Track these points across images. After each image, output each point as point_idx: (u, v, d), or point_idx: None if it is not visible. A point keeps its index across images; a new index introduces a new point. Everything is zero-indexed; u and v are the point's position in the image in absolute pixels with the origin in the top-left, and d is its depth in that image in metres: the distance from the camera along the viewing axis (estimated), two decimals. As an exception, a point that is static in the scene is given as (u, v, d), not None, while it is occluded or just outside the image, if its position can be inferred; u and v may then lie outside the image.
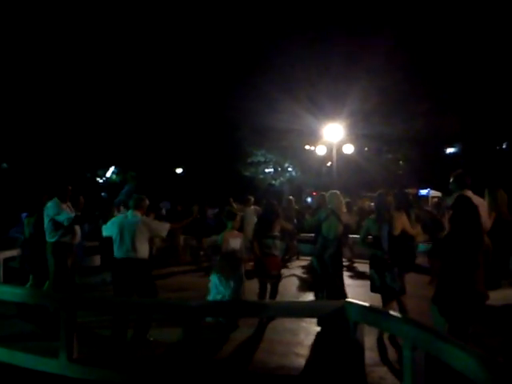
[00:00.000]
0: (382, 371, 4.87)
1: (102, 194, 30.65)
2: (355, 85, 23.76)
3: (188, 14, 28.65)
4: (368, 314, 4.27)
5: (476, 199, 6.27)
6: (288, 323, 6.48)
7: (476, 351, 3.19)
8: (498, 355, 4.43)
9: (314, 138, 25.45)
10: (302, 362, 5.27)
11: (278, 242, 7.12)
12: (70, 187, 6.85)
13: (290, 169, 31.97)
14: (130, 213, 6.08)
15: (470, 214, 4.44)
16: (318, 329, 6.28)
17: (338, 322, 4.51)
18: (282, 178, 31.79)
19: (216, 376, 4.86)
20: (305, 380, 4.88)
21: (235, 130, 28.86)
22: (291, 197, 12.71)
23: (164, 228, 6.30)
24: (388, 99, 24.54)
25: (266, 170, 32.03)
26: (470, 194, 6.11)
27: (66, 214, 6.54)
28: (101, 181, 35.25)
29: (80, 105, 27.65)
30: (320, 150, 24.03)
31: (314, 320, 6.40)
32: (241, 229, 11.77)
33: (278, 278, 7.11)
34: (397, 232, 5.97)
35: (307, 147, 28.87)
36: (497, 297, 5.32)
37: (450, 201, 6.16)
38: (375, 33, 23.88)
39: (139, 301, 5.62)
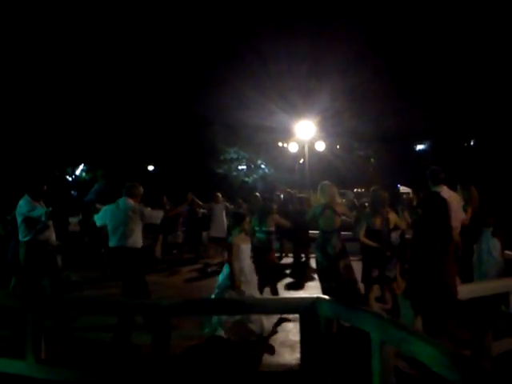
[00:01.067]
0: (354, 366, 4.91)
1: (72, 192, 30.12)
2: (326, 83, 23.99)
3: (158, 10, 28.34)
4: (338, 309, 4.30)
5: (451, 194, 6.43)
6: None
7: (443, 345, 3.23)
8: (466, 349, 4.51)
9: (287, 136, 25.57)
10: (273, 358, 5.28)
11: (272, 237, 7.16)
12: (44, 186, 6.58)
13: (262, 166, 32.05)
14: (121, 200, 5.90)
15: (439, 209, 4.52)
16: (291, 325, 6.29)
17: (310, 318, 4.51)
18: (254, 175, 31.84)
19: (188, 376, 4.82)
20: (275, 376, 4.88)
21: (207, 126, 28.76)
22: (257, 193, 12.68)
23: (157, 215, 6.13)
24: (358, 97, 24.85)
25: (239, 167, 32.04)
26: (445, 189, 6.33)
27: (41, 208, 6.26)
28: (70, 179, 34.59)
29: (47, 101, 27.05)
30: (292, 147, 24.18)
31: (288, 316, 6.41)
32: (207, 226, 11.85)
33: (274, 272, 7.13)
34: (392, 226, 6.40)
35: (280, 144, 29.00)
36: (464, 290, 5.43)
37: None
38: (345, 31, 24.12)
39: (106, 300, 5.52)
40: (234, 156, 30.76)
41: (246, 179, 31.61)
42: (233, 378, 4.82)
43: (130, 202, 5.89)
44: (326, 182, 7.15)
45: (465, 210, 6.75)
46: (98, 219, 6.07)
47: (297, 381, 4.66)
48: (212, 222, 11.86)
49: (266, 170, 31.96)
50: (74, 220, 12.68)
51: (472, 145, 31.56)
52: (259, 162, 31.62)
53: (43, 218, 6.22)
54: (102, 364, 5.05)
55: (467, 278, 6.69)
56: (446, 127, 28.07)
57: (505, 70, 25.15)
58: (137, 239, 5.82)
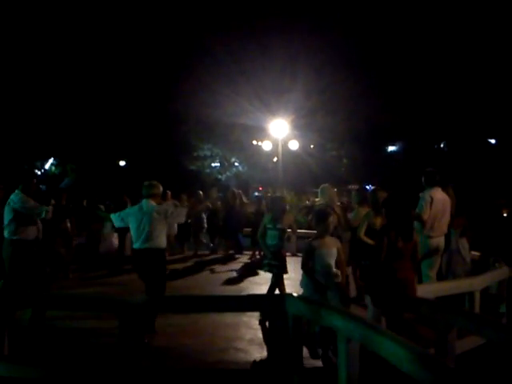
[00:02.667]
0: (321, 363, 4.93)
1: (41, 186, 29.44)
2: (299, 82, 24.12)
3: (131, 4, 27.99)
4: (305, 306, 4.31)
5: (443, 197, 6.69)
6: (228, 318, 6.44)
7: (409, 344, 3.27)
8: (431, 347, 4.58)
9: (261, 134, 25.59)
10: (241, 356, 5.26)
11: (285, 236, 7.13)
12: (34, 180, 6.39)
13: (236, 164, 31.98)
14: (144, 203, 5.89)
15: (402, 210, 4.72)
16: (260, 322, 6.29)
17: (277, 316, 4.52)
18: (228, 173, 31.74)
19: (151, 372, 4.76)
20: (243, 374, 4.87)
21: (181, 123, 28.54)
22: (235, 190, 12.71)
23: (182, 213, 6.24)
24: (331, 97, 25.05)
25: (213, 165, 31.89)
26: (439, 190, 6.65)
27: (40, 206, 6.10)
28: (39, 173, 33.83)
29: (15, 92, 26.42)
30: (266, 146, 24.21)
31: (256, 314, 6.40)
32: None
33: (283, 269, 7.03)
34: None
35: (254, 143, 28.99)
36: (430, 290, 5.52)
37: (421, 200, 6.60)
38: (320, 31, 24.28)
39: (76, 296, 5.43)
40: (208, 153, 30.61)
41: (219, 177, 31.49)
42: (200, 375, 4.78)
43: (153, 203, 5.90)
44: (325, 184, 7.42)
45: None
46: (118, 221, 6.05)
47: (265, 379, 4.65)
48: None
49: (240, 168, 31.90)
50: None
51: (442, 147, 32.19)
52: (233, 159, 31.55)
53: (43, 215, 6.06)
54: (68, 362, 4.95)
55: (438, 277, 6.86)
56: (417, 129, 28.56)
57: (475, 73, 25.73)
58: (162, 240, 5.89)
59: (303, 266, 5.15)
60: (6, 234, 6.05)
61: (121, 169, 34.91)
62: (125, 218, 5.98)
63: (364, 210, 7.09)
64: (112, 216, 6.16)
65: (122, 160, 35.49)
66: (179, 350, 5.40)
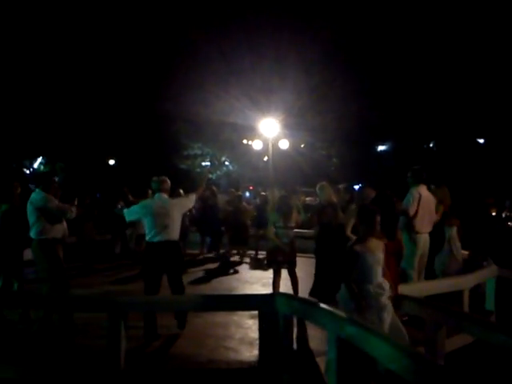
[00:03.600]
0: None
1: (29, 185, 29.21)
2: (289, 81, 24.14)
3: (118, 2, 27.83)
4: (296, 306, 4.31)
5: (427, 195, 6.79)
6: (219, 317, 6.43)
7: (398, 343, 3.29)
8: (420, 346, 4.60)
9: (251, 133, 25.57)
10: (231, 355, 5.25)
11: (291, 232, 7.23)
12: (55, 179, 6.21)
13: (226, 163, 31.94)
14: (157, 196, 5.98)
15: (386, 209, 4.77)
16: (250, 322, 6.28)
17: (268, 315, 4.52)
18: (218, 172, 31.69)
19: (142, 372, 4.74)
20: (234, 373, 4.86)
21: (170, 121, 28.44)
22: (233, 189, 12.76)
23: (191, 199, 6.28)
24: (321, 96, 25.10)
25: (203, 163, 31.80)
26: (424, 188, 6.75)
27: (65, 205, 5.98)
28: (27, 172, 33.54)
29: (3, 91, 26.15)
30: (256, 145, 24.19)
31: (246, 313, 6.39)
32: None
33: (294, 264, 7.17)
34: None
35: (244, 142, 28.96)
36: (420, 288, 5.56)
37: (408, 195, 6.65)
38: (309, 30, 24.30)
39: (62, 296, 5.38)
40: (198, 152, 30.54)
41: (210, 176, 31.43)
42: (191, 375, 4.77)
43: (166, 196, 6.04)
44: (323, 182, 7.39)
45: (436, 209, 7.04)
46: (132, 214, 6.08)
47: (255, 377, 4.65)
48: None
49: (230, 167, 31.87)
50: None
51: (431, 146, 32.40)
52: (223, 158, 31.50)
53: (68, 215, 5.94)
54: (46, 361, 4.90)
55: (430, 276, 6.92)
56: (406, 129, 28.72)
57: (463, 73, 25.91)
58: (178, 232, 6.00)
59: (346, 278, 4.28)
60: (32, 234, 5.82)
61: (110, 167, 34.74)
62: (139, 211, 6.00)
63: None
64: (125, 211, 6.21)
65: (112, 159, 35.32)
66: (170, 349, 5.39)
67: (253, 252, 12.06)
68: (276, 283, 7.15)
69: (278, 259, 7.12)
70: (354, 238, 6.29)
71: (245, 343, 5.61)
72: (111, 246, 12.03)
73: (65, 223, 6.05)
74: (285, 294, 4.53)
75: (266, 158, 25.12)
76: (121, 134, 30.03)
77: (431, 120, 27.63)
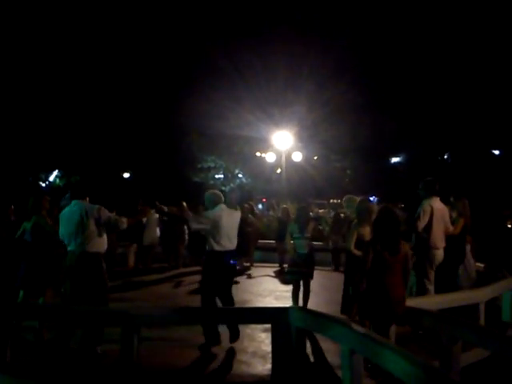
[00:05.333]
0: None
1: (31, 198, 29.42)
2: (303, 94, 24.24)
3: (135, 17, 28.29)
4: (309, 319, 4.29)
5: (441, 206, 6.62)
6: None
7: (413, 357, 3.25)
8: (435, 360, 4.54)
9: (264, 146, 25.67)
10: (244, 368, 5.23)
11: (309, 243, 7.34)
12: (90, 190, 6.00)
13: (240, 175, 32.02)
14: (222, 206, 6.17)
15: (389, 223, 4.72)
16: (263, 335, 6.25)
17: (281, 328, 4.50)
18: (232, 184, 31.75)
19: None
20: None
21: (185, 135, 28.67)
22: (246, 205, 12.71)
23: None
24: (334, 109, 25.14)
25: (216, 176, 31.93)
26: (437, 200, 6.55)
27: (119, 217, 5.83)
28: (43, 185, 33.95)
29: (21, 105, 26.60)
30: (270, 157, 24.27)
31: (259, 326, 6.37)
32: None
33: (311, 275, 7.25)
34: None
35: (257, 154, 29.06)
36: (433, 301, 5.49)
37: (419, 208, 6.49)
38: (323, 43, 24.41)
39: (73, 308, 5.40)
40: (212, 165, 30.69)
41: (223, 188, 31.52)
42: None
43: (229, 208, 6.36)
44: (350, 195, 7.58)
45: (455, 221, 6.89)
46: (196, 223, 6.27)
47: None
48: (145, 230, 11.89)
49: (244, 180, 31.93)
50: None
51: (446, 158, 32.16)
52: (236, 171, 31.60)
53: (124, 226, 5.75)
54: (69, 374, 4.93)
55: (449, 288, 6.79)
56: (420, 140, 28.58)
57: (478, 84, 25.77)
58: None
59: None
60: (76, 246, 5.52)
61: (125, 181, 35.02)
62: (212, 218, 6.02)
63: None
64: (192, 218, 6.55)
65: (126, 172, 35.62)
66: (182, 362, 5.38)
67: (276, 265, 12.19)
68: (295, 295, 7.18)
69: (296, 270, 7.16)
70: (357, 252, 6.30)
71: (258, 356, 5.58)
72: (124, 259, 12.11)
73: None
74: (298, 308, 4.51)
75: (279, 171, 25.16)
76: (135, 148, 30.32)
77: (445, 131, 27.47)
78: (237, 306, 7.63)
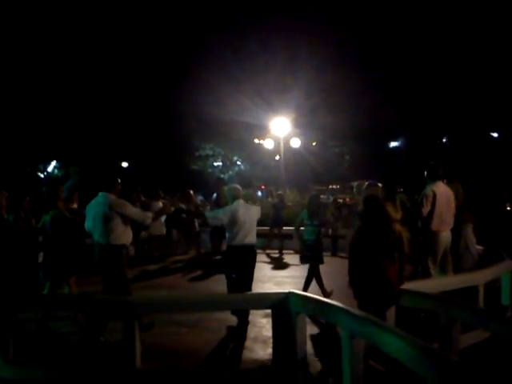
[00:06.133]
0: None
1: (44, 189, 29.47)
2: (301, 79, 24.10)
3: (132, 5, 28.01)
4: (308, 303, 4.31)
5: (445, 189, 6.68)
6: (233, 316, 6.43)
7: (413, 339, 3.26)
8: (435, 342, 4.56)
9: (263, 132, 25.61)
10: (245, 354, 5.27)
11: (319, 230, 7.52)
12: (119, 181, 5.91)
13: (238, 162, 32.00)
14: (240, 201, 6.27)
15: (376, 209, 4.85)
16: (264, 321, 6.29)
17: (282, 313, 4.52)
18: (230, 172, 31.75)
19: (157, 371, 4.76)
20: (249, 372, 4.87)
21: (182, 122, 28.57)
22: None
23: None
24: (333, 94, 25.02)
25: (215, 164, 31.92)
26: (441, 184, 6.65)
27: (144, 212, 5.98)
28: (42, 175, 33.90)
29: (18, 95, 26.46)
30: (268, 144, 24.22)
31: (260, 312, 6.40)
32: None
33: (319, 260, 7.41)
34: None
35: (256, 141, 29.00)
36: (434, 284, 5.51)
37: (422, 194, 6.59)
38: (321, 29, 24.23)
39: (73, 296, 5.44)
40: (210, 152, 30.65)
41: (222, 176, 31.50)
42: (204, 374, 4.79)
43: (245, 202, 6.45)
44: (360, 181, 7.56)
45: None
46: (213, 218, 6.55)
47: (269, 376, 4.65)
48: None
49: (242, 167, 31.92)
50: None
51: (444, 142, 32.11)
52: (235, 158, 31.57)
53: (148, 222, 5.88)
54: (72, 362, 4.97)
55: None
56: (418, 124, 28.50)
57: (476, 67, 25.64)
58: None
59: None
60: (101, 238, 5.56)
61: (123, 170, 34.97)
62: (228, 214, 6.15)
63: (388, 205, 7.05)
64: (208, 214, 6.66)
65: (125, 161, 35.56)
66: (183, 348, 5.42)
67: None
68: (316, 276, 7.34)
69: (309, 255, 7.34)
70: None
71: (259, 342, 5.63)
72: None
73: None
74: (298, 293, 4.53)
75: (277, 157, 25.14)
76: (133, 137, 30.22)
77: (443, 115, 27.39)
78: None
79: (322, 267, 7.49)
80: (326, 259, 7.75)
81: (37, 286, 6.52)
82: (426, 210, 6.43)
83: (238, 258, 6.14)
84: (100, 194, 5.72)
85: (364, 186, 6.74)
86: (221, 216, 6.22)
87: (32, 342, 5.53)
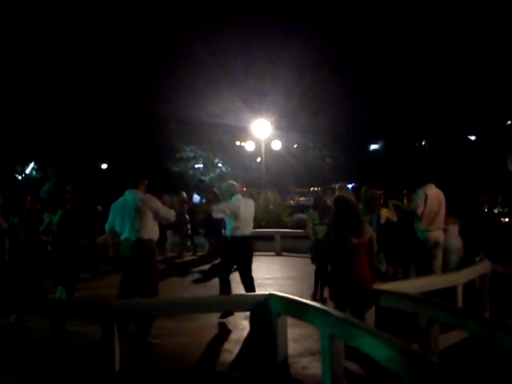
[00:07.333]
0: (305, 361, 4.94)
1: (25, 190, 29.04)
2: (281, 82, 24.19)
3: (111, 4, 27.76)
4: (289, 305, 4.30)
5: (435, 192, 6.97)
6: (214, 318, 6.40)
7: (392, 340, 3.27)
8: (414, 343, 4.59)
9: (244, 134, 25.61)
10: (226, 356, 5.23)
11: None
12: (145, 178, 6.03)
13: (219, 165, 31.89)
14: (239, 196, 6.66)
15: (348, 210, 4.90)
16: (245, 323, 6.26)
17: (262, 314, 4.51)
18: (212, 174, 31.63)
19: (136, 374, 4.71)
20: (229, 374, 4.84)
21: (163, 124, 28.42)
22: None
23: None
24: (313, 97, 25.15)
25: (196, 166, 31.76)
26: (432, 187, 6.96)
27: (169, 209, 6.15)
28: (19, 178, 33.36)
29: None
30: (249, 146, 24.23)
31: (242, 314, 6.38)
32: None
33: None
34: (383, 221, 6.72)
35: (237, 143, 28.98)
36: (413, 285, 5.55)
37: (415, 196, 6.96)
38: (301, 31, 24.36)
39: (58, 300, 5.35)
40: (191, 154, 30.47)
41: (203, 178, 31.39)
42: (185, 377, 4.74)
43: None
44: (342, 182, 7.97)
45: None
46: (220, 212, 6.62)
47: (250, 378, 4.63)
48: None
49: (223, 169, 31.82)
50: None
51: (423, 144, 32.54)
52: (216, 160, 31.46)
53: (172, 219, 6.06)
54: (43, 367, 4.88)
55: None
56: (398, 127, 28.84)
57: (453, 71, 26.05)
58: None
59: None
60: (137, 234, 5.55)
61: (103, 172, 34.62)
62: (232, 207, 6.47)
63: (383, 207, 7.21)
64: (214, 207, 6.76)
65: (104, 163, 35.20)
66: (164, 351, 5.35)
67: None
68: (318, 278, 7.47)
69: (320, 254, 7.29)
70: None
71: (240, 344, 5.60)
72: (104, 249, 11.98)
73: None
74: (279, 295, 4.51)
75: (258, 159, 25.15)
76: (113, 138, 29.93)
77: (422, 118, 27.76)
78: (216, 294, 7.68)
79: (304, 270, 7.52)
80: (306, 261, 7.78)
81: (42, 290, 6.48)
82: (420, 210, 6.79)
83: (239, 248, 6.50)
84: (127, 191, 5.80)
85: (363, 189, 6.98)
86: (226, 209, 6.48)
87: (3, 348, 5.42)
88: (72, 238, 6.20)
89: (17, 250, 6.55)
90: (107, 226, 5.92)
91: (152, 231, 5.67)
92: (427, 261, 6.87)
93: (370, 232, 4.94)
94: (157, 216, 5.71)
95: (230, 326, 6.21)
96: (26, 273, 6.43)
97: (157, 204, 5.78)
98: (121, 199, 5.82)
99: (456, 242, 7.34)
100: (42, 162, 31.74)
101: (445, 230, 7.15)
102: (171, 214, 5.97)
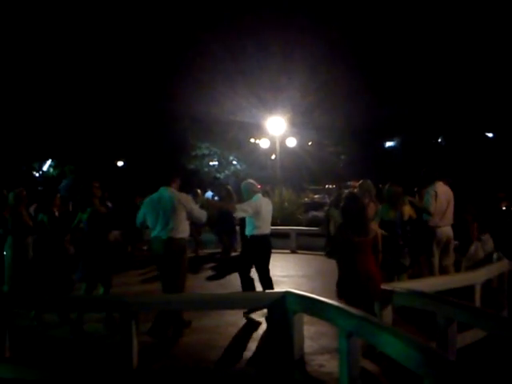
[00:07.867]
0: (322, 359, 4.94)
1: (39, 188, 29.44)
2: (296, 79, 24.07)
3: (126, 3, 27.89)
4: (305, 303, 4.31)
5: (444, 189, 7.14)
6: (229, 316, 6.44)
7: (410, 338, 3.26)
8: (432, 342, 4.57)
9: (258, 132, 25.56)
10: (244, 353, 5.25)
11: None
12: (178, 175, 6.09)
13: (234, 162, 31.90)
14: (260, 196, 6.76)
15: (356, 207, 4.94)
16: (261, 320, 6.28)
17: (279, 312, 4.52)
18: (226, 171, 31.65)
19: (154, 370, 4.75)
20: (246, 371, 4.86)
21: (178, 122, 28.50)
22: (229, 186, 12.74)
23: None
24: (328, 94, 25.00)
25: (211, 163, 31.80)
26: (440, 184, 7.17)
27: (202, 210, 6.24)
28: (37, 174, 33.77)
29: (13, 94, 26.34)
30: (264, 144, 24.19)
31: (258, 312, 6.39)
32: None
33: None
34: (406, 218, 6.83)
35: (252, 140, 28.96)
36: (430, 283, 5.52)
37: (427, 194, 7.10)
38: (316, 27, 24.22)
39: (74, 297, 5.42)
40: (206, 152, 30.51)
41: (218, 175, 31.45)
42: (201, 373, 4.78)
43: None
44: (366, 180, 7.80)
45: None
46: (243, 211, 6.69)
47: (266, 376, 4.65)
48: None
49: (238, 166, 31.82)
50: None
51: (440, 141, 32.21)
52: (231, 158, 31.46)
53: (204, 220, 6.16)
54: (68, 362, 4.95)
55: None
56: (414, 124, 28.57)
57: (471, 67, 25.72)
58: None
59: None
60: (171, 232, 5.61)
61: (119, 169, 34.90)
62: (254, 207, 6.53)
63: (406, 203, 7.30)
64: (237, 206, 6.80)
65: (120, 160, 35.48)
66: (180, 348, 5.40)
67: None
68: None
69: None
70: (384, 232, 6.43)
71: (256, 341, 5.62)
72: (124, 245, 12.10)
73: None
74: (295, 292, 4.52)
75: (273, 157, 25.10)
76: (129, 136, 30.15)
77: (439, 115, 27.46)
78: (232, 291, 7.71)
79: (314, 267, 7.53)
80: (316, 258, 7.81)
81: (70, 286, 6.49)
82: (432, 207, 6.96)
83: (259, 247, 6.61)
84: (162, 188, 5.83)
85: (387, 186, 7.05)
86: (248, 209, 6.54)
87: (28, 341, 5.51)
88: (102, 234, 6.24)
89: (43, 247, 6.56)
90: (138, 220, 5.96)
91: (184, 230, 5.77)
92: (439, 256, 7.04)
93: (374, 231, 4.98)
94: (190, 216, 5.80)
95: (246, 323, 6.24)
96: (53, 270, 6.45)
97: (192, 205, 5.89)
98: (156, 195, 5.82)
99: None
100: (60, 159, 32.14)
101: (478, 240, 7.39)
102: (203, 215, 6.03)
